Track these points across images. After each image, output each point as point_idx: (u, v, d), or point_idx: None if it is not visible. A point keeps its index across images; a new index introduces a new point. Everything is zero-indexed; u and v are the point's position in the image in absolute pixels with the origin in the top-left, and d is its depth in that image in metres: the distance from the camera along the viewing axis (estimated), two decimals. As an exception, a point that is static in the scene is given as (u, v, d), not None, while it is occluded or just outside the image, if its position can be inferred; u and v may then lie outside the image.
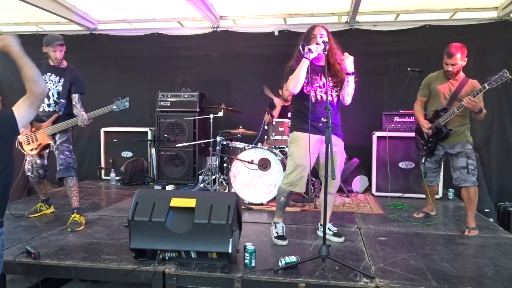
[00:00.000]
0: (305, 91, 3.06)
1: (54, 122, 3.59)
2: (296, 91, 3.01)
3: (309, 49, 2.90)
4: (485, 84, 3.23)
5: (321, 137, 2.98)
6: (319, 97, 3.08)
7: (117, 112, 3.63)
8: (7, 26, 6.56)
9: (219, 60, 6.20)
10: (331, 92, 3.11)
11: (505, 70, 3.18)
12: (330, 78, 3.07)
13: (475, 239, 3.32)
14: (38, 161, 3.73)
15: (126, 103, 3.62)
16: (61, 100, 3.61)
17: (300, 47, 2.98)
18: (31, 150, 3.65)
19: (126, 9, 5.91)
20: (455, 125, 3.53)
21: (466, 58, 3.52)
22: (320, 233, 3.31)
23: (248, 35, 6.11)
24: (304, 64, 2.94)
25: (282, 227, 3.22)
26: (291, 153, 3.13)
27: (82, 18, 6.09)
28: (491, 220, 4.34)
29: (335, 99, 3.14)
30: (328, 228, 3.22)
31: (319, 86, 3.09)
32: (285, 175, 3.20)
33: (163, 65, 6.34)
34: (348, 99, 3.14)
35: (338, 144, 3.11)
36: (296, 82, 2.97)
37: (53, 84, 3.62)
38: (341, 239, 3.19)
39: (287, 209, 4.25)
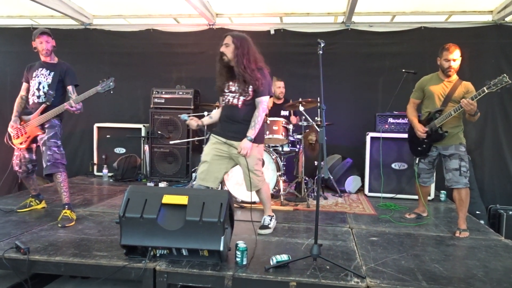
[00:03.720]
0: (222, 98, 3.34)
1: (42, 113, 3.59)
2: None
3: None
4: (485, 88, 3.23)
5: (225, 140, 3.24)
6: (226, 100, 3.28)
7: (102, 93, 3.59)
8: (1, 19, 6.48)
9: (214, 58, 6.11)
10: (238, 97, 3.23)
11: (505, 74, 3.18)
12: (237, 85, 3.23)
13: (466, 241, 3.34)
14: (27, 155, 3.71)
15: (111, 83, 3.59)
16: (50, 92, 3.63)
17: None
18: (21, 143, 3.65)
19: (121, 5, 5.88)
20: (449, 126, 3.54)
21: (461, 58, 3.55)
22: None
23: (244, 33, 6.08)
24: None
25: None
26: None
27: (77, 13, 6.04)
28: (482, 222, 4.37)
29: (240, 103, 3.21)
30: (263, 219, 3.47)
31: (230, 92, 3.27)
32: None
33: (158, 61, 6.31)
34: None
35: (240, 147, 3.18)
36: None
37: (44, 78, 3.66)
38: (265, 231, 3.35)
39: (280, 208, 4.27)
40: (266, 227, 3.40)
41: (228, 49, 3.19)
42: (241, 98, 3.21)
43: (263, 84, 3.18)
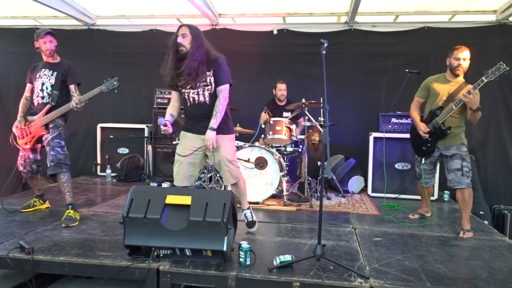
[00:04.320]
0: (182, 94, 3.21)
1: (46, 113, 3.61)
2: None
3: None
4: (483, 78, 3.24)
5: (199, 136, 3.16)
6: (191, 99, 3.16)
7: (105, 93, 3.60)
8: (5, 20, 6.51)
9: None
10: (203, 92, 3.13)
11: (501, 62, 3.20)
12: (191, 79, 3.08)
13: (470, 241, 3.33)
14: (31, 156, 3.72)
15: (115, 83, 3.60)
16: (54, 92, 3.64)
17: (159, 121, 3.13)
18: (25, 144, 3.66)
19: (124, 5, 5.89)
20: (451, 126, 3.53)
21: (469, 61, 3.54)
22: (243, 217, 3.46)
23: (247, 34, 6.09)
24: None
25: None
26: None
27: (80, 13, 6.06)
28: (486, 222, 4.36)
29: (207, 99, 3.13)
30: (244, 215, 3.46)
31: (191, 88, 3.14)
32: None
33: (161, 61, 6.15)
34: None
35: (217, 140, 3.12)
36: None
37: (47, 78, 3.68)
38: (253, 229, 3.40)
39: (283, 208, 4.27)
40: (253, 223, 3.43)
41: (185, 40, 3.07)
42: (206, 93, 3.13)
43: (221, 73, 3.10)
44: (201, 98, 3.13)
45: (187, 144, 3.18)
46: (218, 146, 3.14)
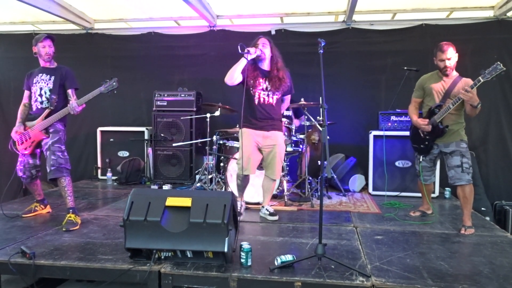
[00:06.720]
0: (251, 92, 3.67)
1: (45, 117, 3.61)
2: (230, 83, 3.59)
3: (248, 50, 3.50)
4: (480, 78, 3.23)
5: (262, 132, 3.71)
6: (261, 99, 3.68)
7: (105, 94, 3.63)
8: (3, 25, 6.52)
9: (216, 59, 6.18)
10: (272, 95, 3.69)
11: (498, 62, 3.19)
12: (271, 84, 3.66)
13: (471, 238, 3.32)
14: (31, 161, 3.72)
15: (114, 83, 3.63)
16: (52, 96, 3.63)
17: (239, 47, 3.47)
18: (25, 149, 3.66)
19: (122, 8, 5.90)
20: (450, 123, 3.53)
21: (457, 54, 3.52)
22: (261, 214, 3.88)
23: (245, 34, 6.07)
24: (241, 62, 3.53)
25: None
26: (241, 145, 3.70)
27: (79, 17, 6.07)
28: (488, 218, 4.35)
29: (274, 102, 3.72)
30: (266, 209, 3.84)
31: (262, 89, 3.67)
32: (237, 162, 3.87)
33: (160, 64, 6.32)
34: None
35: (276, 138, 3.75)
36: (231, 75, 3.55)
37: (45, 83, 3.68)
38: (276, 218, 3.75)
39: (284, 208, 4.28)
40: (274, 214, 3.79)
41: (266, 49, 3.64)
42: (274, 97, 3.70)
43: (291, 83, 3.81)
44: (270, 100, 3.69)
45: (251, 140, 3.67)
46: (276, 144, 3.71)
